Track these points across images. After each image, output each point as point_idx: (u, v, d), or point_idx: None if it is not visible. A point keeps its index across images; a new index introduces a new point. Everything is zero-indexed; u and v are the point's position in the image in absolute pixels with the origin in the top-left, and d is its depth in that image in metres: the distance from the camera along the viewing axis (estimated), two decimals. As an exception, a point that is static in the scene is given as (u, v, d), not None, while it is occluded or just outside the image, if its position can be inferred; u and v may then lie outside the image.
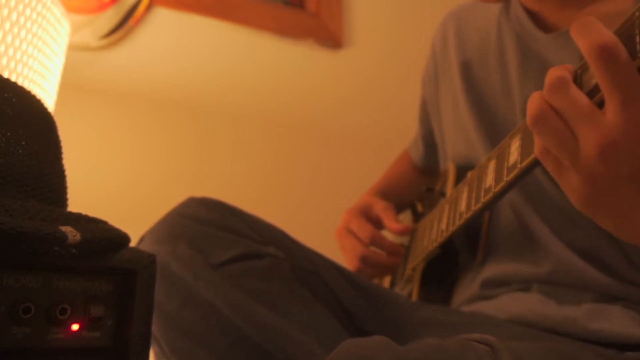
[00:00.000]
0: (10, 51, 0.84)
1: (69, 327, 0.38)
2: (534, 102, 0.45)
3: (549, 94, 0.43)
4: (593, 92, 0.44)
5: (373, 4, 1.62)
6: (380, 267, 0.89)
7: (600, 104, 0.42)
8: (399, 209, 1.06)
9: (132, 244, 0.42)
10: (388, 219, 0.90)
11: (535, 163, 0.52)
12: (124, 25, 1.33)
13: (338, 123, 1.54)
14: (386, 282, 1.01)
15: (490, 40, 0.82)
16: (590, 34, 0.41)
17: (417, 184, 1.05)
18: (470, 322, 0.69)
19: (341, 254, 0.93)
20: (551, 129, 0.43)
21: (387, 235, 0.93)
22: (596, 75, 0.41)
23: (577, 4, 0.72)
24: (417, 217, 1.02)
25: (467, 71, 0.85)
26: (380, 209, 0.92)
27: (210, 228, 0.71)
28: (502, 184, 0.58)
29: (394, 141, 1.22)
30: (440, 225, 0.76)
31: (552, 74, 0.44)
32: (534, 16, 0.76)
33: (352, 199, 1.40)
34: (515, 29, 0.78)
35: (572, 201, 0.45)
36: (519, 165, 0.54)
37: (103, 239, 0.38)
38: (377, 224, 0.92)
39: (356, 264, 0.89)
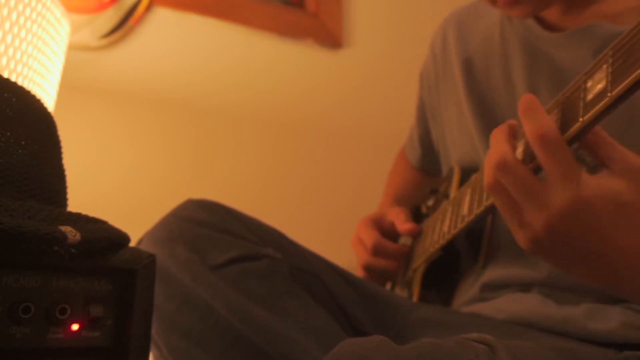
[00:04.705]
0: (10, 51, 0.84)
1: (69, 327, 0.38)
2: (487, 172, 0.53)
3: (497, 171, 0.51)
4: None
5: (373, 4, 1.62)
6: (385, 273, 0.89)
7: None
8: None
9: (132, 244, 0.42)
10: (399, 221, 0.89)
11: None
12: (123, 25, 1.33)
13: (338, 123, 1.54)
14: (387, 283, 1.01)
15: (494, 42, 0.82)
16: (533, 121, 0.49)
17: (422, 187, 1.05)
18: (469, 322, 0.69)
19: (343, 256, 0.93)
20: (501, 198, 0.52)
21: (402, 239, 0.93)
22: (539, 159, 0.49)
23: (582, 4, 0.72)
24: (420, 218, 1.02)
25: (469, 73, 0.85)
26: (393, 214, 0.91)
27: (208, 230, 0.71)
28: None
29: (393, 141, 1.22)
30: (443, 227, 0.76)
31: (497, 152, 0.52)
32: (537, 19, 0.76)
33: (351, 198, 1.40)
34: (519, 32, 0.78)
35: (517, 241, 0.53)
36: None
37: (103, 239, 0.38)
38: (392, 230, 0.91)
39: (360, 272, 0.89)
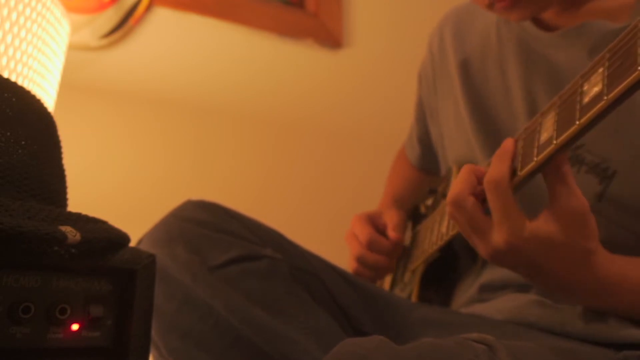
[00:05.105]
0: (10, 51, 0.84)
1: (69, 327, 0.38)
2: (447, 206, 0.60)
3: (451, 207, 0.59)
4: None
5: (373, 4, 1.62)
6: (376, 268, 0.89)
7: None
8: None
9: (132, 244, 0.42)
10: (390, 226, 0.90)
11: (535, 172, 0.53)
12: (123, 25, 1.33)
13: (337, 123, 1.54)
14: (386, 283, 1.01)
15: (490, 42, 0.82)
16: (495, 166, 0.56)
17: (422, 186, 1.05)
18: (469, 322, 0.69)
19: (343, 256, 0.93)
20: (458, 225, 0.61)
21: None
22: (488, 199, 0.56)
23: (578, 3, 0.72)
24: (419, 218, 1.02)
25: (466, 73, 0.85)
26: (388, 216, 0.92)
27: (208, 230, 0.71)
28: None
29: (393, 141, 1.22)
30: (441, 228, 0.76)
31: (454, 189, 0.59)
32: (533, 18, 0.76)
33: (351, 198, 1.39)
34: (515, 32, 0.78)
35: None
36: (519, 174, 0.55)
37: (103, 239, 0.38)
38: (385, 232, 0.92)
39: (353, 264, 0.89)
